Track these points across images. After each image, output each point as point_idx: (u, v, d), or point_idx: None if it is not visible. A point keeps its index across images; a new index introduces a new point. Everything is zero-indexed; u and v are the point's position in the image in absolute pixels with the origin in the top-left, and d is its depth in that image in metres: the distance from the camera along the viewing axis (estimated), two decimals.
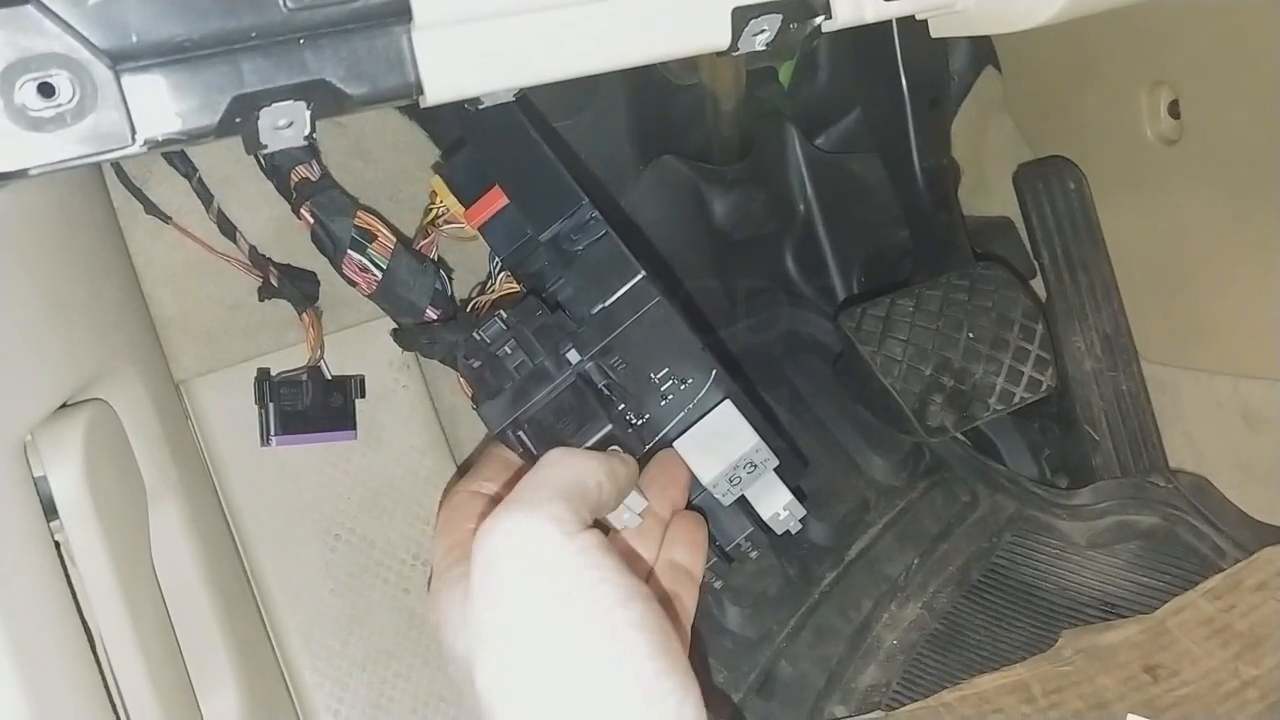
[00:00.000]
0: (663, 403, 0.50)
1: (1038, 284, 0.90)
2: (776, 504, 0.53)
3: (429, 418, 0.81)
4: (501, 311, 0.48)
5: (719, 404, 0.51)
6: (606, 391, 0.47)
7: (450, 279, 0.72)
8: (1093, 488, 0.84)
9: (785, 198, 0.95)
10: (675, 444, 0.51)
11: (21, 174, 0.33)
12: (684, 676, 0.38)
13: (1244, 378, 0.81)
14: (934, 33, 0.50)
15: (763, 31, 0.42)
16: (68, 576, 0.49)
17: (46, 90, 0.32)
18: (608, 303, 0.48)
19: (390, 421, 0.79)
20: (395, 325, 0.73)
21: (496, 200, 0.54)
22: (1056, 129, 0.92)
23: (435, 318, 0.69)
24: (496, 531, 0.38)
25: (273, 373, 0.76)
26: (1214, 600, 0.74)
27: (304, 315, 0.74)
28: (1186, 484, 0.84)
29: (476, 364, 0.47)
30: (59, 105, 0.32)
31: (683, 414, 0.50)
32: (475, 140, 0.55)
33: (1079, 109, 0.89)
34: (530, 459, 0.45)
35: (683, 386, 0.50)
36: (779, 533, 0.54)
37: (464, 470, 0.82)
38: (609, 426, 0.44)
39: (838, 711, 0.77)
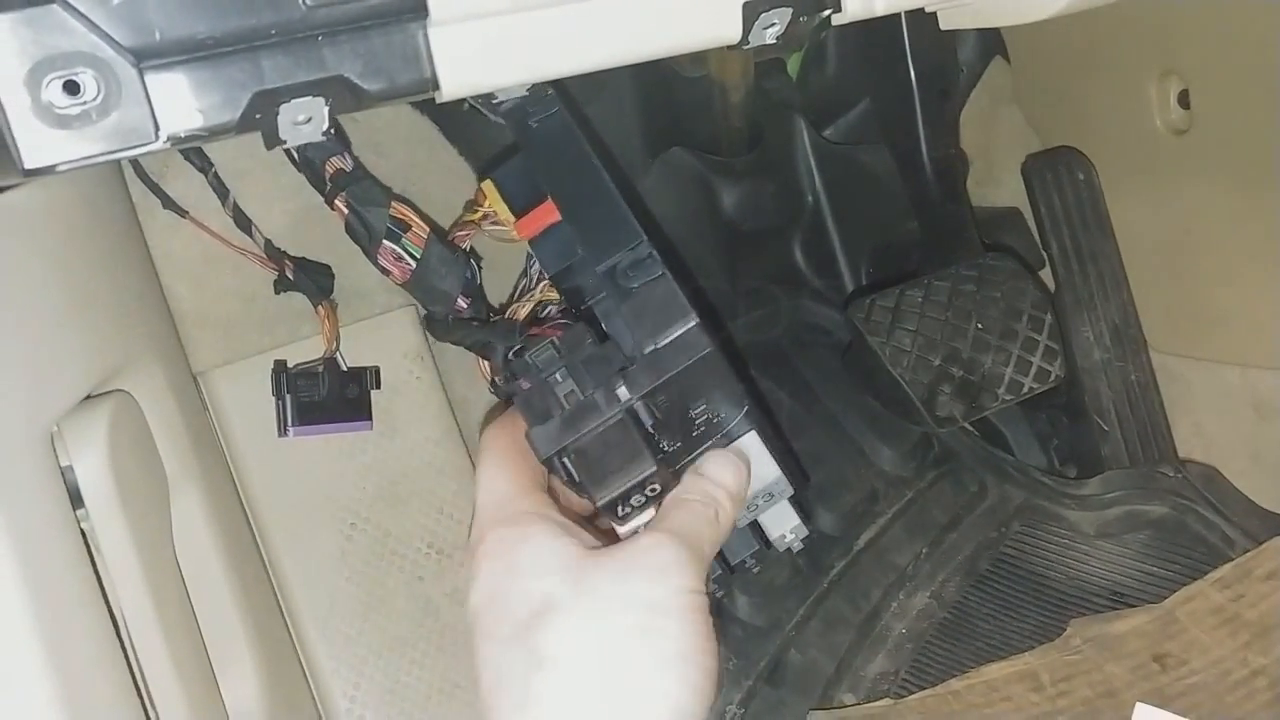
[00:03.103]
0: (694, 434, 0.50)
1: (1046, 274, 0.91)
2: (785, 526, 0.54)
3: (442, 408, 0.82)
4: (554, 339, 0.48)
5: (744, 434, 0.51)
6: (651, 430, 0.48)
7: (479, 268, 0.72)
8: (1101, 477, 0.84)
9: (794, 189, 0.95)
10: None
11: (49, 170, 0.33)
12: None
13: (1253, 368, 0.81)
14: (943, 25, 0.50)
15: (773, 25, 0.43)
16: (93, 563, 0.50)
17: (72, 88, 0.32)
18: (659, 345, 0.47)
19: (405, 412, 0.80)
20: (426, 313, 0.74)
21: (549, 215, 0.55)
22: (1065, 119, 0.92)
23: (465, 306, 0.69)
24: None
25: (289, 364, 0.77)
26: (1223, 589, 0.74)
27: (319, 308, 0.75)
28: (1196, 474, 0.84)
29: (526, 385, 0.47)
30: (84, 103, 0.33)
31: (710, 444, 0.51)
32: (532, 153, 0.55)
33: (1088, 99, 0.89)
34: (574, 486, 0.46)
35: (715, 419, 0.50)
36: (781, 550, 0.55)
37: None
38: (654, 469, 0.44)
39: (847, 699, 0.77)
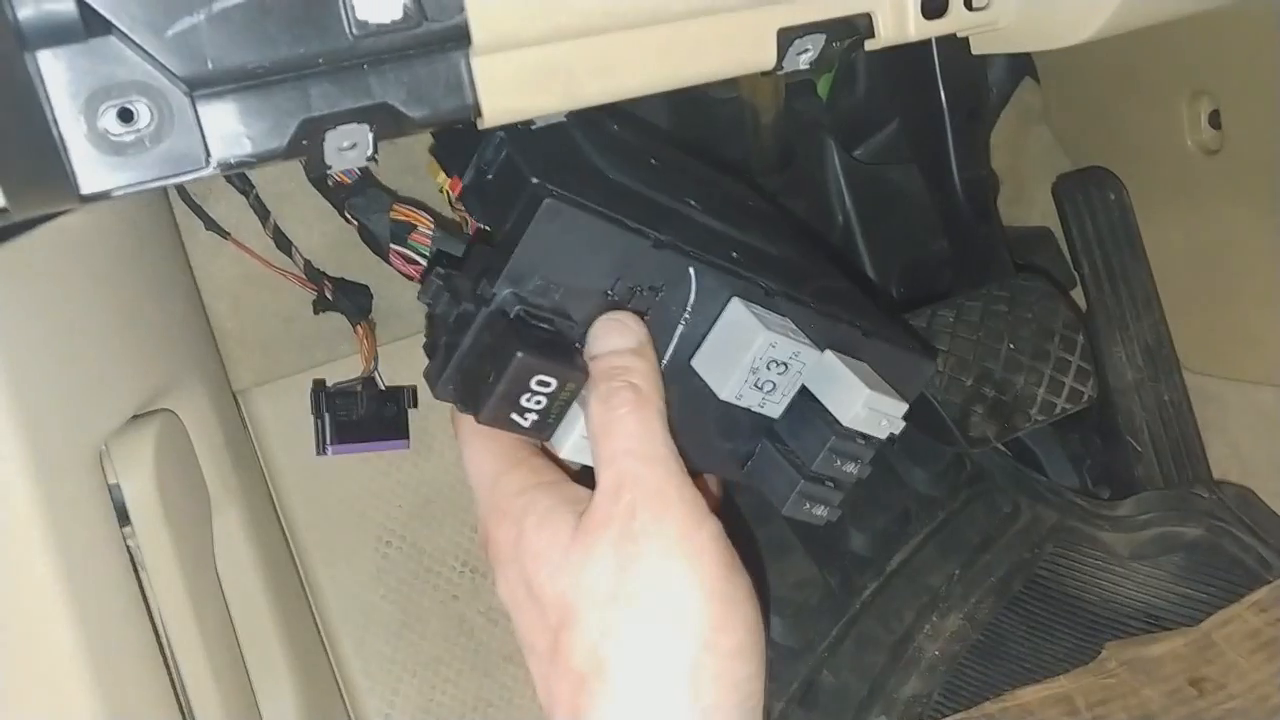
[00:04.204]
0: (645, 318, 0.43)
1: (1078, 294, 0.90)
2: (854, 404, 0.44)
3: None
4: (437, 268, 0.43)
5: (726, 305, 0.44)
6: (531, 321, 0.40)
7: None
8: (1135, 499, 0.84)
9: (824, 209, 0.95)
10: (692, 362, 0.44)
11: (104, 196, 0.34)
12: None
13: None
14: (975, 50, 0.51)
15: (806, 51, 0.43)
16: (138, 579, 0.50)
17: (126, 116, 0.33)
18: (508, 224, 0.41)
19: (441, 430, 0.81)
20: None
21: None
22: (1096, 139, 0.92)
23: None
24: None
25: (328, 383, 0.78)
26: (1260, 613, 0.73)
27: (358, 328, 0.75)
28: (1231, 495, 0.83)
29: (426, 333, 0.43)
30: (138, 130, 0.33)
31: (682, 327, 0.43)
32: None
33: (1118, 119, 0.89)
34: (465, 409, 0.41)
35: (659, 296, 0.43)
36: (880, 437, 0.46)
37: None
38: (519, 356, 0.38)
39: None
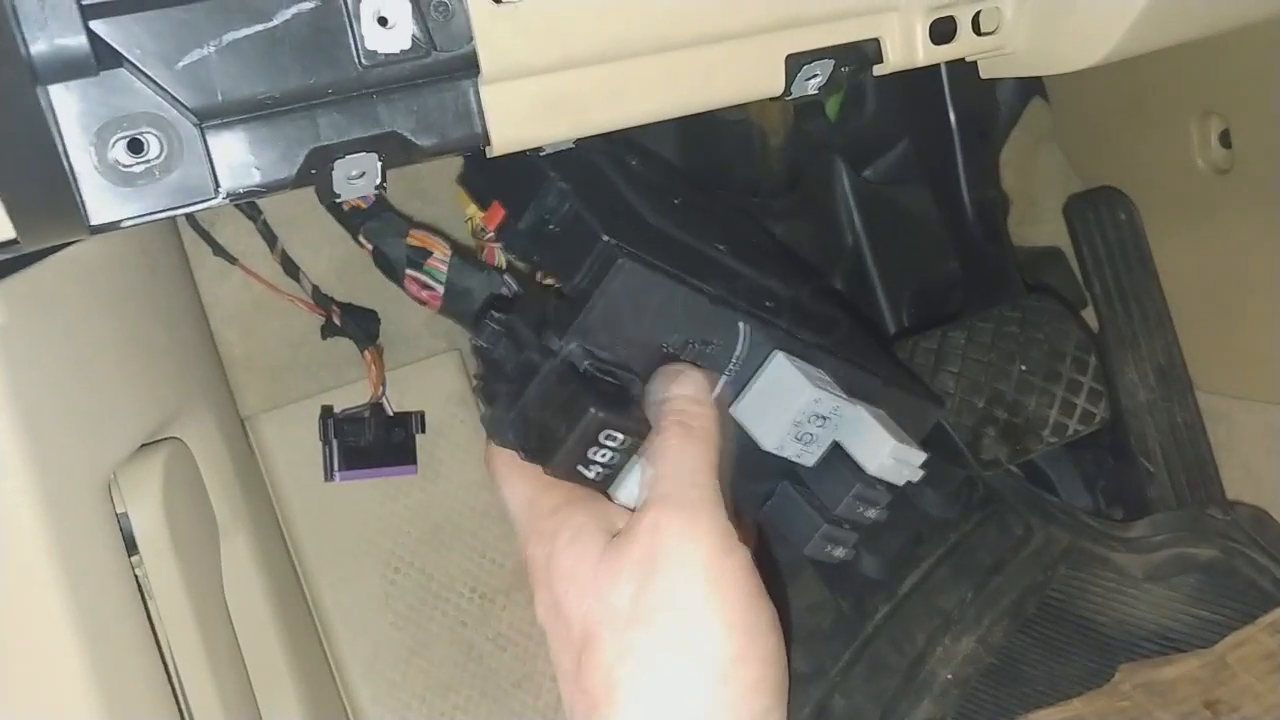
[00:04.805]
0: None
1: (1089, 314, 0.90)
2: (880, 454, 0.46)
3: None
4: (493, 312, 0.44)
5: (769, 358, 0.46)
6: (598, 374, 0.42)
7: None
8: (1149, 520, 0.83)
9: (833, 230, 0.95)
10: (732, 411, 0.46)
11: (114, 226, 0.34)
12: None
13: None
14: (984, 74, 0.51)
15: (815, 76, 0.43)
16: (147, 609, 0.50)
17: (136, 147, 0.34)
18: (577, 278, 0.42)
19: (448, 456, 0.81)
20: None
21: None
22: (1107, 159, 0.92)
23: None
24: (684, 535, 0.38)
25: (336, 409, 0.77)
26: (1275, 634, 0.73)
27: (365, 353, 0.75)
28: (1245, 516, 0.83)
29: (479, 375, 0.44)
30: (148, 161, 0.34)
31: (726, 377, 0.45)
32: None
33: (1129, 139, 0.89)
34: (531, 460, 0.42)
35: (709, 349, 0.44)
36: (899, 484, 0.48)
37: None
38: (592, 412, 0.39)
39: None
